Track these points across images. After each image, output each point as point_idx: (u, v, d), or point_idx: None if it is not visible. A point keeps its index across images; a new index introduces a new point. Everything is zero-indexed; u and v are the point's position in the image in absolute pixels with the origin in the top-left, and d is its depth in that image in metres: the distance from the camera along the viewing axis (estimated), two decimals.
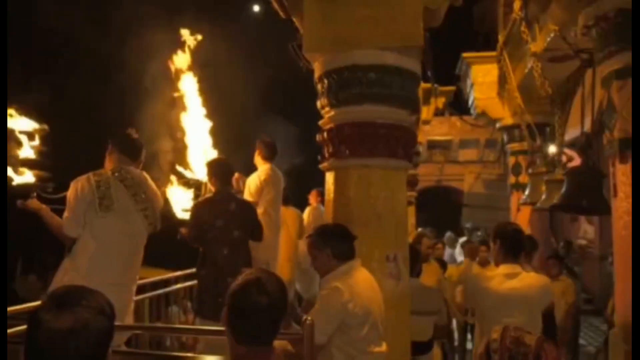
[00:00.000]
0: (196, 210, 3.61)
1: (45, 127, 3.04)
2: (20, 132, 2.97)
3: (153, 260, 3.15)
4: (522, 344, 1.50)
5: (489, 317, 2.88)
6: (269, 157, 4.64)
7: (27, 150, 2.98)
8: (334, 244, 2.56)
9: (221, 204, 3.65)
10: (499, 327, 1.63)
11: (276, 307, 1.53)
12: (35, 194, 2.90)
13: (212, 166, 3.78)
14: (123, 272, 2.86)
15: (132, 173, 2.96)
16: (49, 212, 2.89)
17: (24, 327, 2.62)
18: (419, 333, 3.36)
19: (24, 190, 2.88)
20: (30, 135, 3.01)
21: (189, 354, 3.69)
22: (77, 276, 2.70)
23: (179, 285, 4.83)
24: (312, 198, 6.84)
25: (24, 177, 2.92)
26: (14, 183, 2.89)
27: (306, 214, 6.71)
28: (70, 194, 2.85)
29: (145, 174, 3.06)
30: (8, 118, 2.92)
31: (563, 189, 4.62)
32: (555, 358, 1.51)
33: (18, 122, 2.98)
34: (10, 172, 2.91)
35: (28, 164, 2.94)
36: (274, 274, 1.61)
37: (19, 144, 2.96)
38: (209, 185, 3.81)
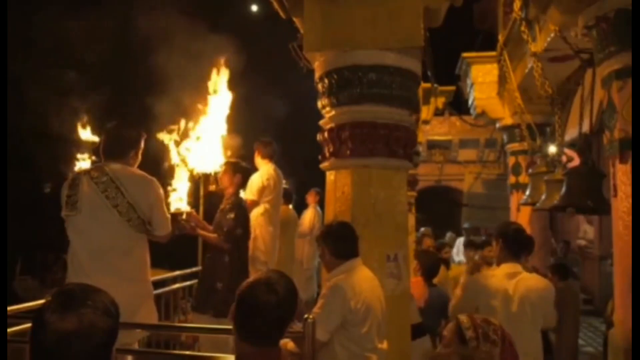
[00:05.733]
0: (242, 210, 3.77)
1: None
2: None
3: (153, 260, 3.09)
4: (490, 323, 1.66)
5: (489, 316, 2.88)
6: (269, 156, 4.71)
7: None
8: (332, 242, 2.60)
9: (246, 210, 3.91)
10: (464, 313, 1.77)
11: (284, 308, 1.55)
12: None
13: (235, 165, 3.88)
14: (108, 272, 2.73)
15: (110, 169, 2.85)
16: None
17: (24, 326, 2.64)
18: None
19: None
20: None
21: (187, 352, 3.71)
22: (69, 273, 2.82)
23: (177, 285, 4.83)
24: (310, 198, 6.85)
25: None
26: None
27: (309, 214, 6.73)
28: None
29: (130, 170, 2.93)
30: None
31: (563, 189, 4.62)
32: (512, 342, 1.64)
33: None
34: None
35: None
36: (284, 275, 1.62)
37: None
38: (223, 183, 3.86)
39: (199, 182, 4.09)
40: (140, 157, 3.03)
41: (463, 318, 1.67)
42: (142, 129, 3.09)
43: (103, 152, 2.95)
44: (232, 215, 3.66)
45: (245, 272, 3.59)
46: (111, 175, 2.82)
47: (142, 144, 3.04)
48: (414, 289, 3.95)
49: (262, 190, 4.53)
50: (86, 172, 2.88)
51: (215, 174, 4.06)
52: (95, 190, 2.79)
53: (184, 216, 3.56)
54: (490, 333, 1.60)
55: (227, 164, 3.88)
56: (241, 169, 3.90)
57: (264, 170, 4.65)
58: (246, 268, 3.69)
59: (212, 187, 4.08)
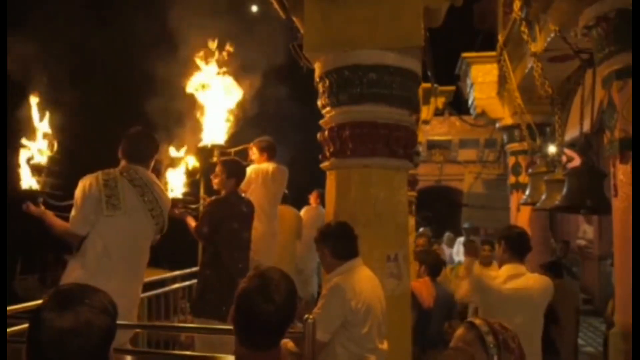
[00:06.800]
0: (213, 208, 3.60)
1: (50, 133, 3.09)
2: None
3: (152, 260, 3.11)
4: (507, 329, 1.62)
5: (492, 316, 2.90)
6: (271, 155, 4.67)
7: (38, 156, 3.03)
8: (332, 243, 2.59)
9: (236, 206, 3.69)
10: (477, 317, 1.69)
11: (283, 312, 1.51)
12: (42, 200, 2.96)
13: (230, 166, 3.75)
14: (128, 271, 2.84)
15: (140, 173, 2.94)
16: (53, 216, 2.90)
17: (24, 325, 2.64)
18: None
19: (31, 195, 2.94)
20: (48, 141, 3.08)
21: (186, 352, 3.70)
22: (85, 274, 2.68)
23: (177, 285, 4.84)
24: (313, 199, 6.83)
25: (31, 183, 2.99)
26: (23, 188, 2.97)
27: (302, 212, 6.72)
28: (77, 192, 2.82)
29: (152, 175, 3.02)
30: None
31: (564, 189, 4.62)
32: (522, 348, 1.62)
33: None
34: (24, 176, 2.98)
35: (39, 169, 2.99)
36: (284, 275, 1.57)
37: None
38: (215, 184, 3.77)
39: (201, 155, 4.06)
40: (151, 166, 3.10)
41: (479, 322, 1.63)
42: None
43: (126, 156, 2.97)
44: (203, 211, 3.66)
45: (228, 272, 3.43)
46: (145, 180, 2.90)
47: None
48: (422, 290, 3.97)
49: (248, 182, 4.47)
50: (120, 174, 2.89)
51: (213, 146, 4.02)
52: (134, 193, 2.85)
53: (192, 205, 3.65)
54: (510, 341, 1.57)
55: (221, 163, 3.75)
56: (236, 172, 3.74)
57: (262, 165, 4.62)
58: (228, 267, 3.50)
59: (214, 159, 4.02)
